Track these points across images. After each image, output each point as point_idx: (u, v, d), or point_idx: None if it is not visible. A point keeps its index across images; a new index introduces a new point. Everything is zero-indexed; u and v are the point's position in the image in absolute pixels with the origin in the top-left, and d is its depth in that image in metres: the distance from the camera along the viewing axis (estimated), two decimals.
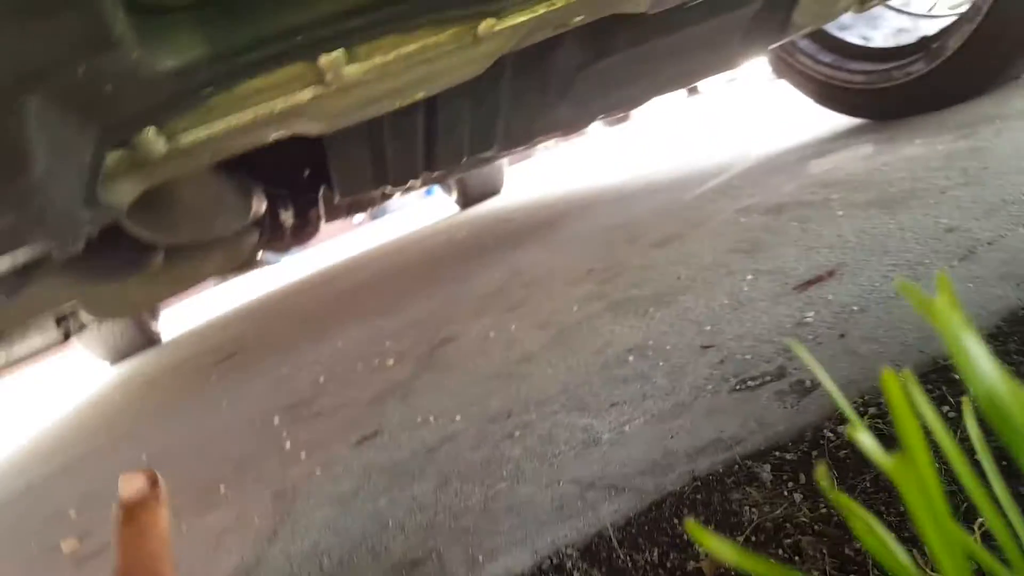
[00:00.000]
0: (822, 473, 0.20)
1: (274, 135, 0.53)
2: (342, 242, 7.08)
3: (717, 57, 0.89)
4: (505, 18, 0.47)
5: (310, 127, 0.53)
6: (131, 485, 0.34)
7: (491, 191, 4.35)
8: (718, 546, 0.16)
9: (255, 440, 1.18)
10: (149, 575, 0.33)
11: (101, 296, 0.95)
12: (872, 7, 0.96)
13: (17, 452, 2.23)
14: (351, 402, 1.16)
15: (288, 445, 1.07)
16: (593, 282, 1.29)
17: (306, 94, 0.47)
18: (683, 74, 0.92)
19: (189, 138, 0.46)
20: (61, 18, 0.27)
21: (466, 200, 4.35)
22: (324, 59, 0.44)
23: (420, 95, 0.54)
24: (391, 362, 1.29)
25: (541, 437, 0.74)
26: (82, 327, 1.51)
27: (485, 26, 0.47)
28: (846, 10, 0.91)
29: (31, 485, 1.59)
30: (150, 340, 3.66)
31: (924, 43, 1.41)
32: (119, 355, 3.55)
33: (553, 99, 0.82)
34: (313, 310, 2.58)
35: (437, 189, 5.44)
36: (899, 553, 0.20)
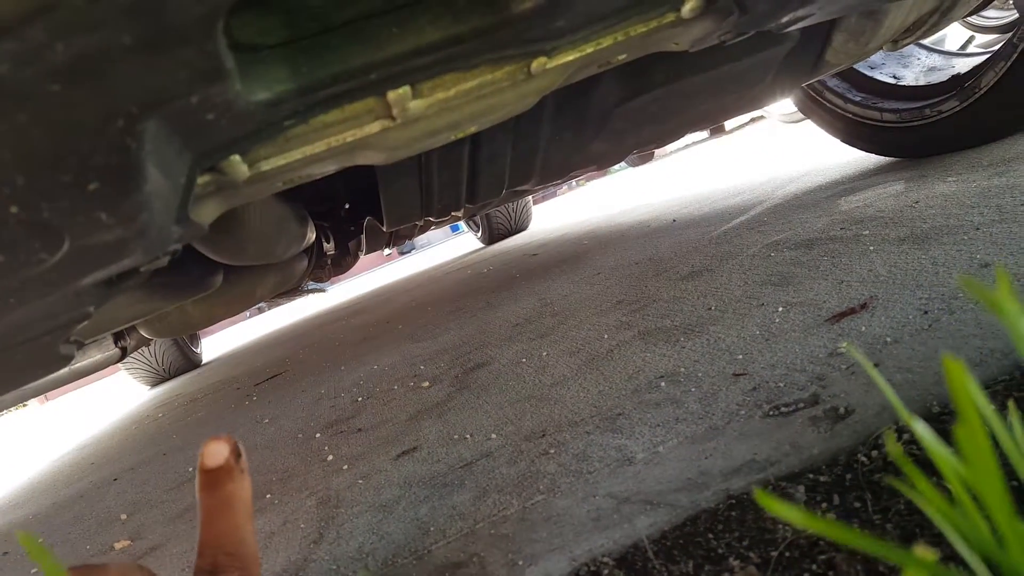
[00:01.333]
0: (891, 440, 0.22)
1: (340, 165, 0.57)
2: (371, 276, 7.18)
3: (749, 95, 0.92)
4: (556, 56, 0.51)
5: (373, 158, 0.57)
6: (214, 453, 0.34)
7: (517, 229, 4.41)
8: (787, 511, 0.19)
9: (298, 453, 1.22)
10: (234, 545, 0.33)
11: (164, 314, 1.00)
12: (905, 46, 0.99)
13: (65, 464, 2.30)
14: (390, 420, 1.19)
15: (330, 458, 1.11)
16: (623, 312, 1.32)
17: (374, 127, 0.51)
18: (715, 110, 0.95)
19: (268, 165, 0.50)
20: (183, 53, 0.32)
21: (492, 237, 4.41)
22: (392, 95, 0.48)
23: (473, 129, 0.58)
24: (426, 384, 1.33)
25: (575, 455, 0.77)
26: (138, 346, 1.57)
27: (537, 64, 0.51)
28: (878, 49, 0.94)
29: (82, 493, 1.64)
30: (192, 364, 3.74)
31: (957, 81, 1.44)
32: (161, 379, 3.64)
33: (590, 135, 0.86)
34: (347, 338, 2.63)
35: (463, 226, 5.53)
36: (972, 515, 0.22)
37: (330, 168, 0.58)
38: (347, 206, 1.53)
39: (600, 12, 0.48)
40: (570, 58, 0.51)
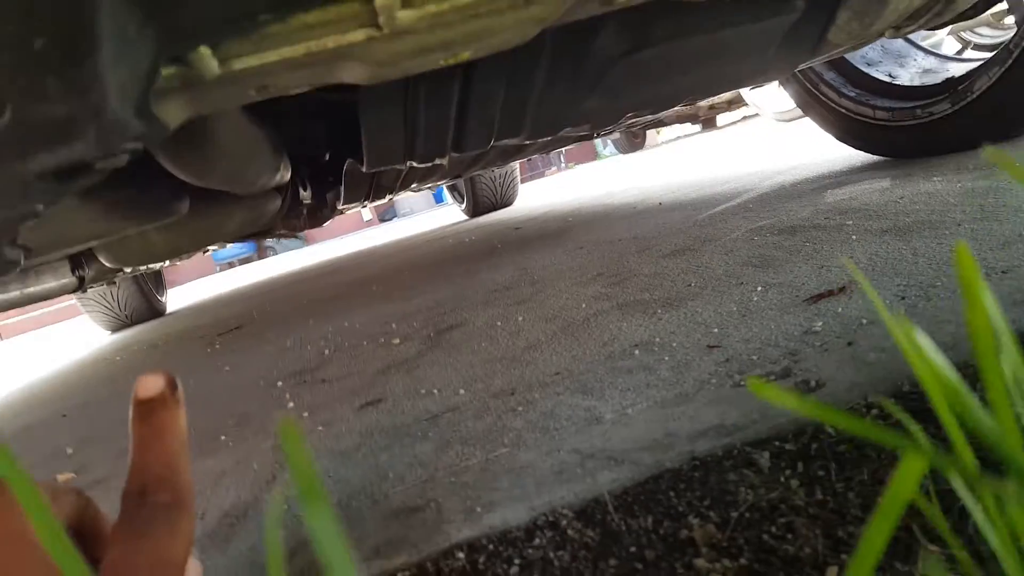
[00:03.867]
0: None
1: (321, 79, 0.54)
2: (350, 239, 7.10)
3: (749, 66, 0.90)
4: None
5: (357, 73, 0.54)
6: (149, 385, 0.33)
7: (503, 203, 4.37)
8: (778, 394, 0.17)
9: (258, 399, 1.19)
10: (165, 471, 0.32)
11: (125, 240, 0.96)
12: (906, 33, 0.97)
13: (15, 400, 2.24)
14: (356, 372, 1.17)
15: (291, 405, 1.08)
16: (602, 285, 1.30)
17: (359, 35, 0.48)
18: (714, 79, 0.93)
19: (241, 64, 0.47)
20: None
21: (476, 209, 4.37)
22: (380, 1, 0.46)
23: (466, 54, 0.55)
24: (397, 341, 1.30)
25: (543, 413, 0.75)
26: (98, 277, 1.52)
27: None
28: (881, 33, 0.93)
29: (28, 426, 1.60)
30: (155, 312, 3.66)
31: (950, 84, 1.43)
32: (122, 324, 3.56)
33: (585, 88, 0.84)
34: (319, 295, 2.59)
35: (447, 197, 5.48)
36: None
37: (310, 80, 0.55)
38: (328, 156, 1.49)
39: None
40: None
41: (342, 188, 1.32)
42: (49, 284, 1.29)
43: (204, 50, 0.44)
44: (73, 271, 1.30)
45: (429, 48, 0.51)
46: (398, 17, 0.47)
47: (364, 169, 0.90)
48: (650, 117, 1.17)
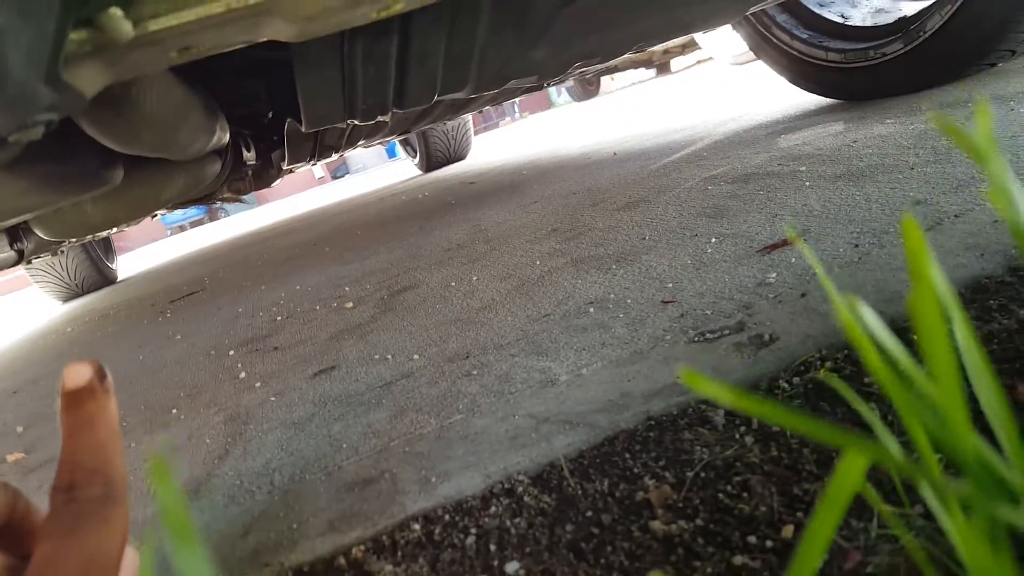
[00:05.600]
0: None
1: (247, 36, 0.50)
2: (301, 198, 6.94)
3: (699, 10, 0.87)
4: None
5: (283, 30, 0.50)
6: (76, 374, 0.31)
7: (456, 156, 4.29)
8: (712, 387, 0.16)
9: (209, 370, 1.16)
10: (96, 463, 0.30)
11: (59, 212, 0.91)
12: None
13: None
14: (308, 339, 1.14)
15: (243, 375, 1.05)
16: (557, 240, 1.29)
17: None
18: (664, 24, 0.90)
19: (157, 25, 0.43)
20: None
21: (429, 164, 4.29)
22: None
23: (399, 6, 0.52)
24: (350, 305, 1.27)
25: (498, 376, 0.74)
26: (38, 250, 1.44)
27: None
28: None
29: None
30: (106, 280, 3.55)
31: (903, 24, 1.43)
32: (73, 293, 3.44)
33: (531, 38, 0.80)
34: (271, 258, 2.52)
35: (400, 151, 5.36)
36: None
37: (234, 39, 0.50)
38: (270, 114, 1.42)
39: None
40: None
41: (285, 150, 1.27)
42: None
43: (115, 11, 0.40)
44: (11, 245, 1.23)
45: (357, 0, 0.47)
46: None
47: (303, 129, 0.85)
48: (601, 66, 1.14)
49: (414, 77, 0.77)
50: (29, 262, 1.55)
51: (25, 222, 1.16)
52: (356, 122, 0.86)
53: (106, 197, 0.94)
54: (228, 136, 1.01)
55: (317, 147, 1.32)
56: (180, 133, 0.73)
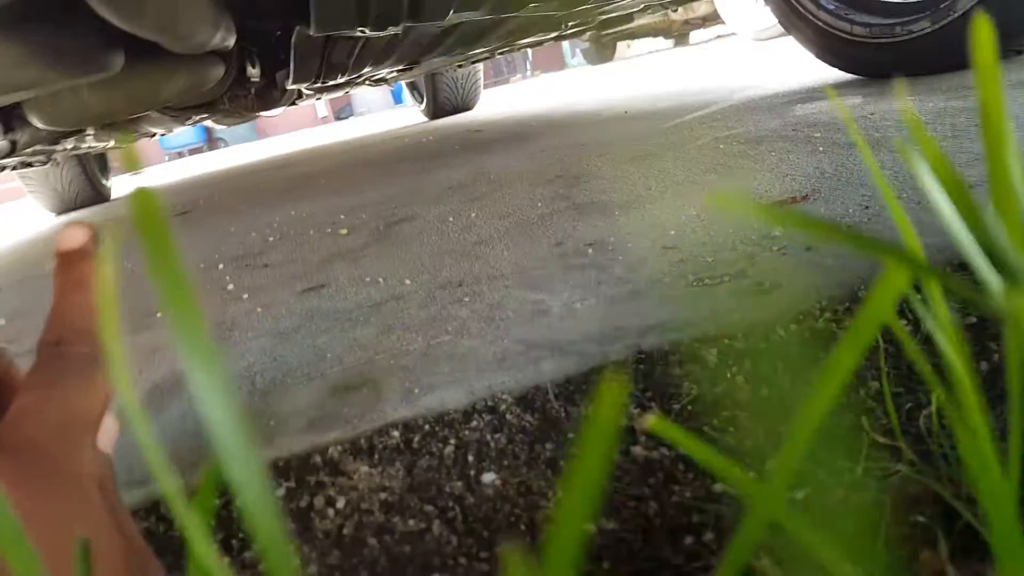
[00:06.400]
0: None
1: None
2: (304, 135, 6.85)
3: None
4: None
5: None
6: (71, 236, 0.31)
7: (464, 105, 4.21)
8: (737, 203, 0.14)
9: (197, 280, 1.14)
10: (85, 323, 0.30)
11: (56, 97, 0.88)
12: None
13: None
14: (300, 259, 1.12)
15: (231, 287, 1.04)
16: (560, 185, 1.26)
17: None
18: None
19: None
20: None
21: (436, 111, 4.20)
22: None
23: None
24: (344, 231, 1.25)
25: (490, 304, 0.73)
26: (31, 142, 1.40)
27: None
28: None
29: None
30: (100, 196, 3.51)
31: (933, 1, 1.39)
32: (67, 207, 3.40)
33: None
34: (268, 187, 2.49)
35: (407, 98, 5.26)
36: None
37: None
38: (279, 32, 1.37)
39: None
40: None
41: (291, 65, 1.23)
42: None
43: None
44: (4, 133, 1.19)
45: None
46: None
47: (311, 31, 0.82)
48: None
49: None
50: (20, 154, 1.51)
51: (20, 110, 1.12)
52: (367, 31, 0.82)
53: (105, 85, 0.91)
54: (233, 40, 0.97)
55: (323, 66, 1.28)
56: (184, 18, 0.70)
